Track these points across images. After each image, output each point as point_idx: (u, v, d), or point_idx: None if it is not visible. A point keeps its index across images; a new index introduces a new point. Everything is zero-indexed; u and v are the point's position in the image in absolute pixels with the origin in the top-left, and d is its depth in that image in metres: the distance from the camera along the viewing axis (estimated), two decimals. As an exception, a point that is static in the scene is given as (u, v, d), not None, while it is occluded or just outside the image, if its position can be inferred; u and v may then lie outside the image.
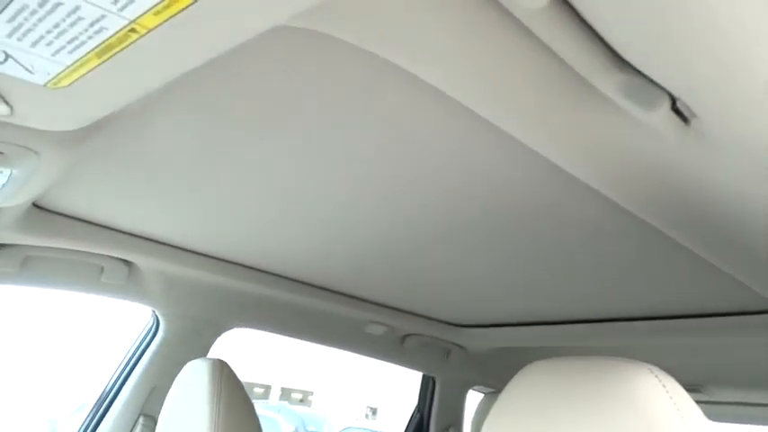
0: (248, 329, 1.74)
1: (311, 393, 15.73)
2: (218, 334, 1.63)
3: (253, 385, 13.24)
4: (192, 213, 1.18)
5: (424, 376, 2.15)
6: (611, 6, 0.43)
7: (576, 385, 0.60)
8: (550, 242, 1.08)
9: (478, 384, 2.19)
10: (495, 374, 2.08)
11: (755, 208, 0.71)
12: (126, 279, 1.41)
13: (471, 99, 0.58)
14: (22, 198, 0.86)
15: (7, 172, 0.70)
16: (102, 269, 1.38)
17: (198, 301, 1.56)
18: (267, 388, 14.26)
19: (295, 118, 0.75)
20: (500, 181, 0.87)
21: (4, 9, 0.38)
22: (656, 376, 0.56)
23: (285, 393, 14.82)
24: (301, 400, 15.33)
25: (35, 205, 1.16)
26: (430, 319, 1.82)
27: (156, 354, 1.52)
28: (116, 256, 1.36)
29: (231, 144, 0.85)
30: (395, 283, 1.51)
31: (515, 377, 0.69)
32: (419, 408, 2.15)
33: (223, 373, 1.09)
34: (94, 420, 1.50)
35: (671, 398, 0.54)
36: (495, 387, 2.11)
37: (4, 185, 0.75)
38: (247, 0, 0.37)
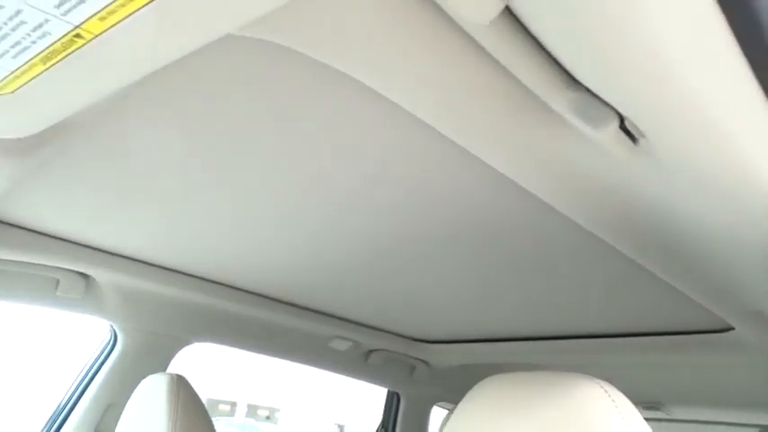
0: (210, 344, 1.71)
1: (278, 410, 15.50)
2: (178, 349, 1.59)
3: (218, 402, 12.99)
4: (151, 226, 1.16)
5: (388, 392, 2.14)
6: (559, 24, 0.44)
7: (528, 398, 0.60)
8: (512, 260, 1.10)
9: (442, 400, 2.19)
10: (459, 390, 2.08)
11: (707, 229, 0.72)
12: (83, 293, 1.37)
13: (428, 113, 0.58)
14: None
15: None
16: (58, 282, 1.34)
17: (157, 316, 1.52)
18: (233, 405, 14.01)
19: (259, 132, 0.75)
20: (463, 199, 0.87)
21: None
22: (605, 390, 0.57)
23: (251, 410, 14.57)
24: (268, 417, 15.09)
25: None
26: (395, 334, 1.82)
27: (112, 369, 1.48)
28: (72, 268, 1.32)
29: (194, 156, 0.84)
30: (360, 298, 1.51)
31: (471, 391, 0.70)
32: (383, 424, 2.13)
33: (180, 388, 1.06)
34: (47, 438, 1.45)
35: (618, 411, 0.54)
36: (458, 403, 2.11)
37: None
38: (193, 10, 0.37)
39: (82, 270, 1.33)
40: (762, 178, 0.58)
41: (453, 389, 2.07)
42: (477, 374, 1.96)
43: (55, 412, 1.50)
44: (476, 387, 0.70)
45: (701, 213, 0.68)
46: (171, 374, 1.09)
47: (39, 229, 1.21)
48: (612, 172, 0.62)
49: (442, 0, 0.43)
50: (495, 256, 1.08)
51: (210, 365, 9.24)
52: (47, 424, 1.48)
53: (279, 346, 1.74)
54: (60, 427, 1.46)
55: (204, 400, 1.10)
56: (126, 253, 1.32)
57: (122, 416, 1.14)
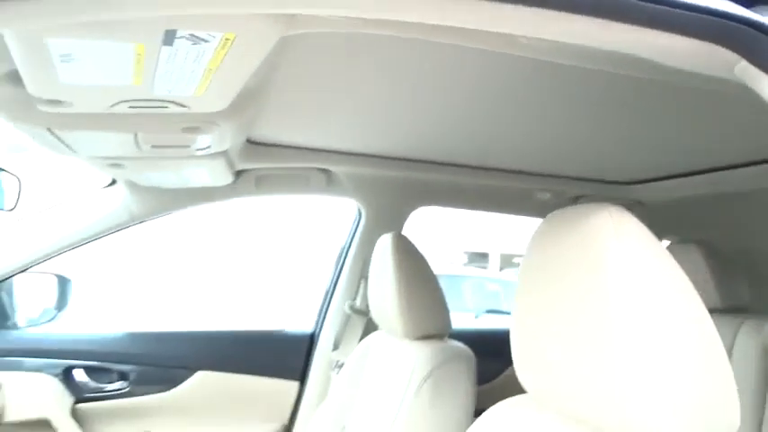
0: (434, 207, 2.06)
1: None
2: (408, 213, 1.96)
3: (471, 253, 13.84)
4: (372, 122, 1.47)
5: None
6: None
7: (555, 231, 0.68)
8: None
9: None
10: (670, 228, 2.12)
11: None
12: (327, 183, 1.80)
13: None
14: (231, 143, 1.22)
15: (208, 137, 1.06)
16: (309, 178, 1.78)
17: (388, 191, 1.89)
18: (483, 255, 14.81)
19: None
20: None
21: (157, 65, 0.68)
22: (611, 215, 0.61)
23: (505, 260, 15.30)
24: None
25: (250, 141, 1.56)
26: (598, 181, 1.94)
27: (361, 241, 1.92)
28: (317, 167, 1.75)
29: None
30: (559, 150, 1.65)
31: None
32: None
33: (400, 243, 1.41)
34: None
35: (616, 235, 0.59)
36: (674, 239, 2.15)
37: (212, 143, 1.12)
38: None
39: (324, 167, 1.75)
40: None
41: (666, 227, 2.12)
42: (690, 209, 1.98)
43: (326, 291, 2.02)
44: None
45: None
46: (394, 233, 1.44)
47: (289, 144, 1.63)
48: None
49: None
50: None
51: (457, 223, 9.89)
52: (323, 302, 2.02)
53: (490, 202, 2.01)
54: (329, 301, 1.97)
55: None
56: (355, 149, 1.68)
57: (370, 269, 1.54)
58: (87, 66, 0.70)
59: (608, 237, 0.60)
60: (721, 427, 0.58)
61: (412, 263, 1.41)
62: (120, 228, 1.68)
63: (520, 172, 1.86)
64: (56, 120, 0.91)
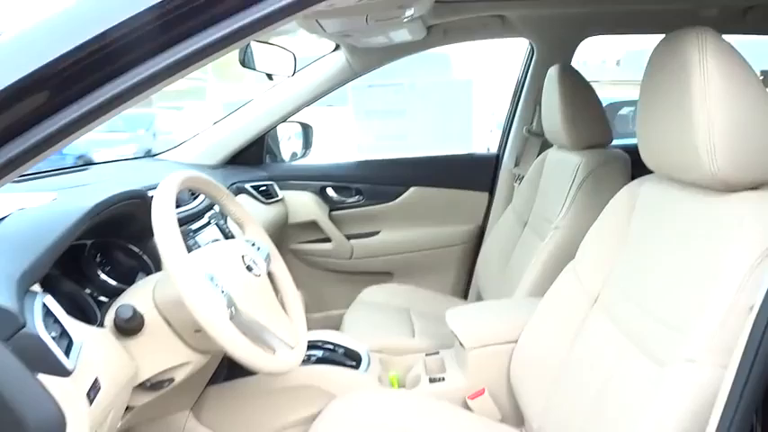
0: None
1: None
2: (575, 45, 2.22)
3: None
4: None
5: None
6: None
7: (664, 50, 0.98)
8: None
9: None
10: None
11: None
12: (502, 27, 2.12)
13: None
14: (428, 8, 1.59)
15: (413, 8, 1.45)
16: (487, 24, 2.11)
17: (557, 27, 2.16)
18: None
19: None
20: None
21: None
22: (697, 35, 0.87)
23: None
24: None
25: (438, 1, 1.92)
26: None
27: (533, 72, 2.25)
28: (494, 14, 2.07)
29: None
30: None
31: None
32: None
33: (567, 72, 1.73)
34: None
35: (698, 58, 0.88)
36: None
37: (415, 11, 1.50)
38: None
39: (500, 14, 2.07)
40: None
41: None
42: None
43: (506, 119, 2.41)
44: None
45: None
46: (561, 64, 1.76)
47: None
48: None
49: None
50: None
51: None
52: (504, 129, 2.41)
53: (654, 25, 2.17)
54: (510, 127, 2.36)
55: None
56: None
57: (542, 102, 1.89)
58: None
59: (696, 59, 0.89)
60: None
61: (577, 87, 1.75)
62: (344, 81, 2.22)
63: None
64: (321, 13, 1.39)
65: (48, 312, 0.80)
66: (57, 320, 0.81)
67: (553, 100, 1.77)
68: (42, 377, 0.72)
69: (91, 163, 1.74)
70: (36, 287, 0.84)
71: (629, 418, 0.93)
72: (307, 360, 1.51)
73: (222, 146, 2.18)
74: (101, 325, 0.99)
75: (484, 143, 2.61)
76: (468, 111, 2.68)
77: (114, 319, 0.96)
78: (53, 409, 0.71)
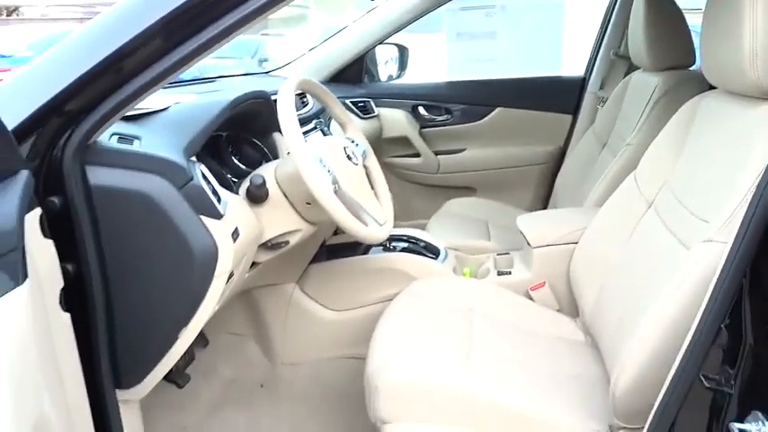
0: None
1: None
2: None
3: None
4: None
5: None
6: None
7: None
8: None
9: None
10: None
11: None
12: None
13: None
14: None
15: None
16: None
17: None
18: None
19: None
20: None
21: None
22: None
23: None
24: None
25: None
26: None
27: None
28: None
29: None
30: None
31: None
32: None
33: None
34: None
35: None
36: None
37: None
38: None
39: None
40: None
41: None
42: None
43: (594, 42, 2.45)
44: None
45: None
46: None
47: None
48: None
49: None
50: None
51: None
52: (592, 52, 2.46)
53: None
54: (598, 51, 2.41)
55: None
56: None
57: (629, 25, 1.95)
58: None
59: None
60: None
61: (663, 7, 1.79)
62: (439, 4, 2.36)
63: None
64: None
65: (202, 176, 1.08)
66: (209, 182, 1.09)
67: (639, 19, 1.82)
68: (203, 218, 1.01)
69: (219, 76, 2.04)
70: (193, 158, 1.13)
71: (657, 297, 1.08)
72: (393, 249, 1.77)
73: (326, 65, 2.41)
74: (236, 194, 1.28)
75: (572, 66, 2.67)
76: (558, 33, 2.73)
77: (248, 187, 1.24)
78: (210, 240, 1.00)
